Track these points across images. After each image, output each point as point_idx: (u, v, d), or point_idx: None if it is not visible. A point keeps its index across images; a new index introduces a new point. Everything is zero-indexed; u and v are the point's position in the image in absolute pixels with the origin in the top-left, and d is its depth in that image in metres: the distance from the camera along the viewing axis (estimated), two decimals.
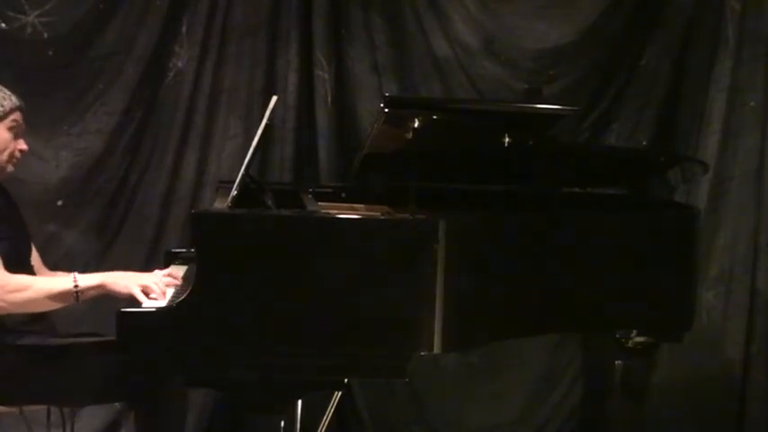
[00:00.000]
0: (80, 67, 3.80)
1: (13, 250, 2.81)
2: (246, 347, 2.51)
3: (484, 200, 3.40)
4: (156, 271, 2.93)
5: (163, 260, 3.34)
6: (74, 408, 2.99)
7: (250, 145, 2.90)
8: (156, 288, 2.68)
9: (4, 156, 2.84)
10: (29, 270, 2.89)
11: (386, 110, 2.65)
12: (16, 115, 2.86)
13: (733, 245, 4.06)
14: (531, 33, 4.04)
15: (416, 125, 2.65)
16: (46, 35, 3.74)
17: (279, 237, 2.54)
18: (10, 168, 2.88)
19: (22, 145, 2.89)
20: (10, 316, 2.77)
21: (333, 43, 3.96)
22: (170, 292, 2.76)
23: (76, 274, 2.74)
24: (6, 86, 2.87)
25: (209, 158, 3.92)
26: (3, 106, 2.82)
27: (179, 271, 3.01)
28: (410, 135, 2.66)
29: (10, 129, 2.84)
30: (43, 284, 2.74)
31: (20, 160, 2.91)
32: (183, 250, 3.31)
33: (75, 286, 2.70)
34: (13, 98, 2.86)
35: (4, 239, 2.79)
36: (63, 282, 2.73)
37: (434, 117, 2.69)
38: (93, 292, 2.73)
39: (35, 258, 3.03)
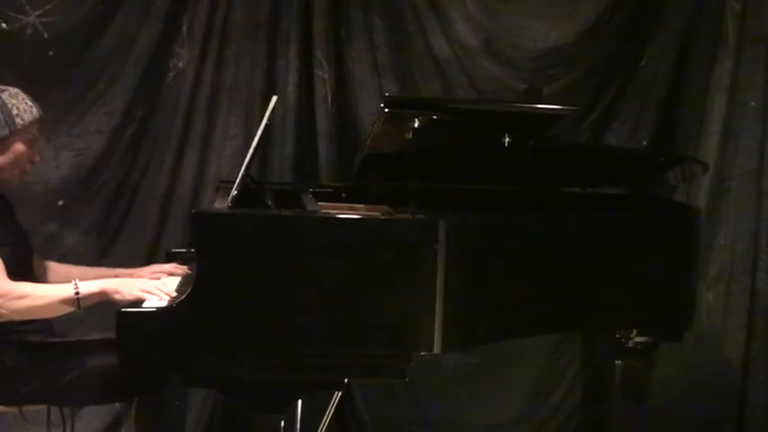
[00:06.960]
0: (80, 67, 3.80)
1: (14, 255, 2.79)
2: (246, 348, 2.50)
3: (484, 200, 3.40)
4: (153, 266, 2.97)
5: (163, 260, 3.34)
6: (74, 408, 2.98)
7: (250, 145, 2.90)
8: (158, 293, 2.66)
9: (16, 170, 2.81)
10: (31, 273, 2.88)
11: (386, 110, 2.64)
12: (35, 128, 2.81)
13: (733, 245, 4.06)
14: (531, 33, 4.04)
15: (416, 125, 2.64)
16: (46, 35, 3.74)
17: (279, 237, 2.53)
18: (16, 183, 2.85)
19: (35, 157, 2.85)
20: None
21: (333, 43, 3.96)
22: (172, 283, 2.78)
23: (77, 280, 2.71)
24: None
25: (209, 158, 3.92)
26: (23, 119, 2.76)
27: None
28: (410, 135, 2.66)
29: (27, 141, 2.79)
30: (45, 292, 2.71)
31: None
32: (183, 250, 3.31)
33: (77, 293, 2.67)
34: (35, 109, 2.80)
35: (5, 245, 2.78)
36: (64, 289, 2.69)
37: (434, 117, 2.69)
38: (94, 299, 2.70)
39: (35, 258, 3.02)
